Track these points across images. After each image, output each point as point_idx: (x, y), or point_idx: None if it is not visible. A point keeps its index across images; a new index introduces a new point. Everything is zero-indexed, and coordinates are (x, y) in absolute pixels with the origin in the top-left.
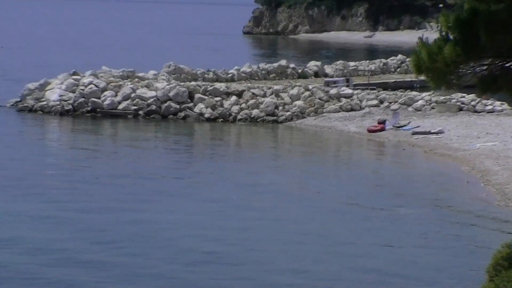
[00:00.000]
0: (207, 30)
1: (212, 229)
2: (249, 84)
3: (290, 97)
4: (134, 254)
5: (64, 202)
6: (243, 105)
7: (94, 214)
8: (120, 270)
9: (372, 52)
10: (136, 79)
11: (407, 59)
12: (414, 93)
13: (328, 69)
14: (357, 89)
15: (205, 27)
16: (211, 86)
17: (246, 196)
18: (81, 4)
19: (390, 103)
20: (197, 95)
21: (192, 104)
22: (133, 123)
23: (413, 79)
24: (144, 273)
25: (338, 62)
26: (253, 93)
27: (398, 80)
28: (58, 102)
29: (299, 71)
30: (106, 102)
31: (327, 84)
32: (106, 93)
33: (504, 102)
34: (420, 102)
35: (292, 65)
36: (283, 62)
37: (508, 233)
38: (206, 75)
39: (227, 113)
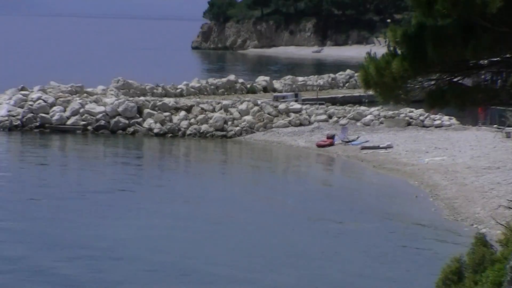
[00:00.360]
0: (156, 45)
1: (170, 242)
2: (198, 99)
3: (239, 112)
4: (93, 269)
5: (16, 217)
6: (192, 120)
7: (47, 228)
8: (79, 284)
9: (320, 67)
10: (85, 94)
11: (356, 74)
12: (362, 108)
13: (277, 84)
14: (306, 104)
15: (154, 42)
16: (160, 101)
17: (197, 210)
18: (22, 19)
19: (339, 118)
20: (146, 110)
21: (141, 119)
22: (82, 138)
23: (362, 94)
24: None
25: (287, 77)
26: (202, 108)
27: (346, 95)
28: (6, 118)
29: (248, 86)
30: (55, 117)
31: (276, 99)
32: (54, 108)
33: (452, 117)
34: (368, 117)
35: (241, 80)
36: (232, 77)
37: (457, 247)
38: (155, 90)
39: (176, 128)
